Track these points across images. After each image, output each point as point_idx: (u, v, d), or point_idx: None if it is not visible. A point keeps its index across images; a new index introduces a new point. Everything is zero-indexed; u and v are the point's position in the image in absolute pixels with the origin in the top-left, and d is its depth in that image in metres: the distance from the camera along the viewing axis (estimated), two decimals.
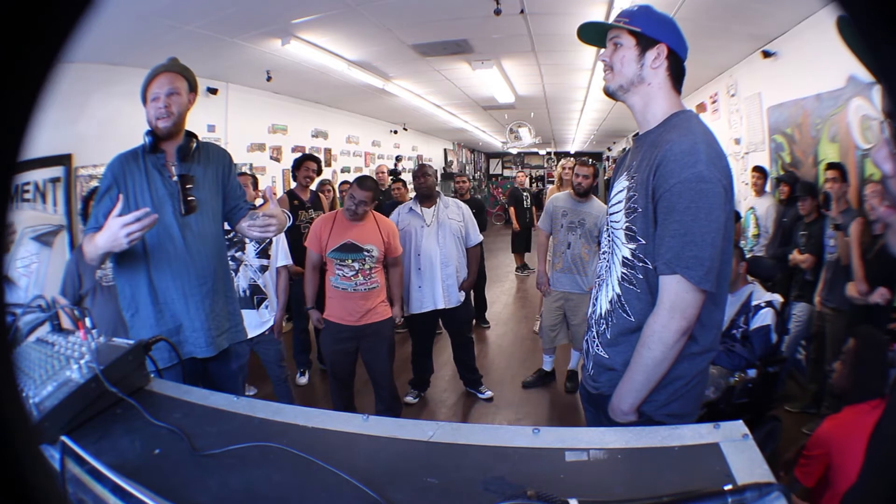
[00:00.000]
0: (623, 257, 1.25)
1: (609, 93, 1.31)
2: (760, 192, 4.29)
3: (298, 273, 3.37)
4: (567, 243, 3.51)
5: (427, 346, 3.57)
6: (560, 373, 3.92)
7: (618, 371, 1.26)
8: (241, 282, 2.91)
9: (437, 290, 3.30)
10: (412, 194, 3.65)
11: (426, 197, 3.38)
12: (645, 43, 1.24)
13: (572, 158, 5.64)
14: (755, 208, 4.20)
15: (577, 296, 3.54)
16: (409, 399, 3.56)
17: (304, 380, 3.95)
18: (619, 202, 1.28)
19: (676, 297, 1.15)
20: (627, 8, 1.29)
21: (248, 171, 4.94)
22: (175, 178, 1.71)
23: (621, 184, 1.29)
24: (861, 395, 1.69)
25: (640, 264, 1.22)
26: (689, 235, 1.12)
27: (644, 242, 1.20)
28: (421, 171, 3.42)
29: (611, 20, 1.33)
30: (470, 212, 3.54)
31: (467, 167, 15.83)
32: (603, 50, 1.31)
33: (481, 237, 3.58)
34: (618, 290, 1.27)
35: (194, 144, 1.77)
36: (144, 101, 1.71)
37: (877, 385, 1.77)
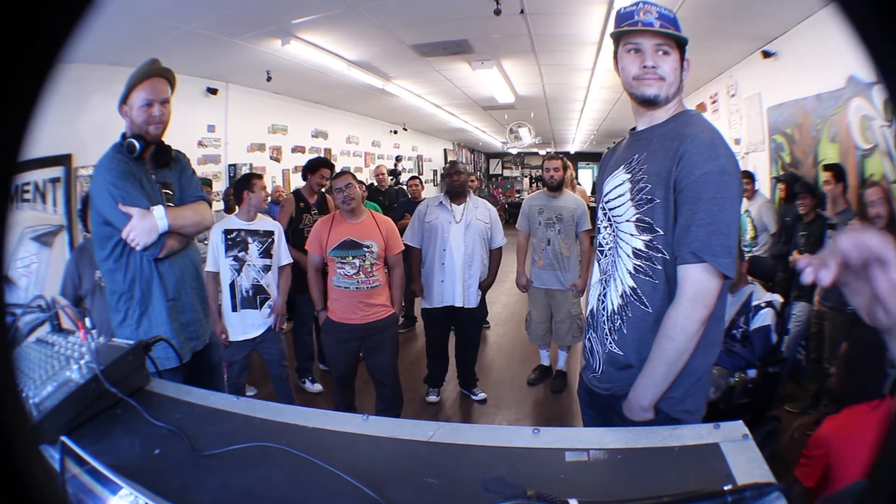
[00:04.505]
0: (635, 249, 1.24)
1: (656, 101, 1.25)
2: (751, 196, 4.28)
3: (300, 259, 3.36)
4: (547, 240, 3.54)
5: (442, 341, 3.55)
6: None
7: (635, 368, 1.24)
8: (244, 282, 2.91)
9: (458, 288, 3.32)
10: (425, 191, 3.60)
11: (457, 194, 3.40)
12: (682, 54, 1.25)
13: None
14: (749, 211, 4.19)
15: (560, 292, 3.56)
16: (432, 398, 3.59)
17: (317, 387, 3.80)
18: (622, 195, 1.27)
19: (700, 285, 1.15)
20: (665, 12, 1.23)
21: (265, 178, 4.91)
22: (157, 185, 1.75)
23: (619, 177, 1.29)
24: (860, 396, 1.69)
25: (658, 255, 1.21)
26: (715, 225, 1.14)
27: (662, 233, 1.20)
28: (454, 169, 3.45)
29: (611, 21, 1.32)
30: (497, 214, 3.56)
31: (467, 167, 15.82)
32: (650, 55, 1.23)
33: (505, 240, 3.57)
34: (631, 282, 1.25)
35: (172, 152, 1.79)
36: (124, 101, 1.68)
37: (875, 385, 1.77)
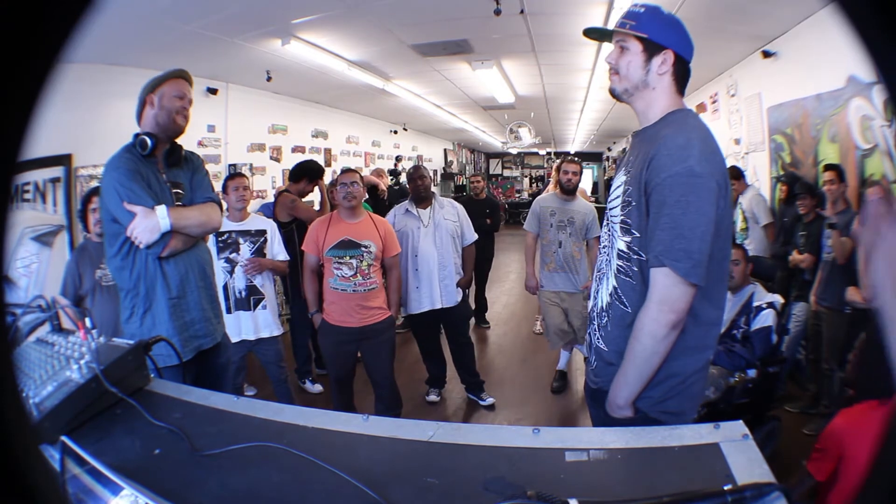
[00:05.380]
0: (619, 250, 1.27)
1: (615, 95, 1.33)
2: (741, 190, 4.25)
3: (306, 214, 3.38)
4: (558, 242, 3.52)
5: (433, 344, 3.55)
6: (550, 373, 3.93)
7: (615, 365, 1.27)
8: (237, 283, 2.90)
9: (435, 291, 3.30)
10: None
11: (422, 198, 3.37)
12: (652, 48, 1.24)
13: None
14: (740, 203, 4.18)
15: (572, 295, 3.55)
16: (432, 398, 3.61)
17: (318, 387, 3.82)
18: (617, 196, 1.30)
19: (665, 290, 1.16)
20: (633, 9, 1.27)
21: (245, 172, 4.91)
22: (167, 184, 1.77)
23: (619, 179, 1.32)
24: (874, 390, 1.68)
25: (636, 256, 1.23)
26: (679, 229, 1.13)
27: (639, 235, 1.22)
28: (418, 174, 3.39)
29: (612, 20, 1.34)
30: (464, 211, 3.52)
31: (467, 167, 15.81)
32: (609, 51, 1.31)
33: (476, 236, 3.56)
34: (614, 282, 1.29)
35: (183, 152, 1.83)
36: (150, 95, 1.73)
37: (887, 383, 1.75)
